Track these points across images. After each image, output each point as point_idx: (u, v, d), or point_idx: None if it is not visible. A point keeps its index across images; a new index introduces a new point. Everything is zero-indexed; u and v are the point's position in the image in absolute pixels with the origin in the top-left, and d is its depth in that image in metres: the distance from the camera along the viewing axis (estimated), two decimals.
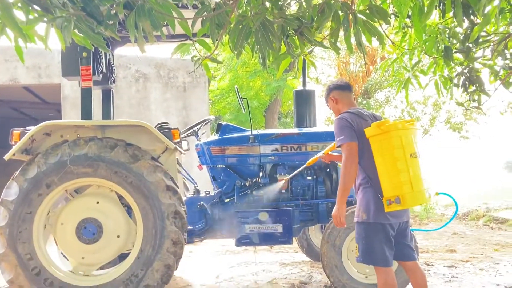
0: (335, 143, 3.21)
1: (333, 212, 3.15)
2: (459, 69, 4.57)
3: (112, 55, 4.93)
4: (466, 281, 4.79)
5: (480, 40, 3.95)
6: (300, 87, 5.18)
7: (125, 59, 10.28)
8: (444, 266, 5.54)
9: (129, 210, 4.11)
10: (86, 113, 4.14)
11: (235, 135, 4.72)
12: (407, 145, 2.92)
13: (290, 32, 2.84)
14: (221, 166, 4.77)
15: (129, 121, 4.23)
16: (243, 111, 4.50)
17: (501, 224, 9.20)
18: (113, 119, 5.01)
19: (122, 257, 4.16)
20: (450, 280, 4.85)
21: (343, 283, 4.05)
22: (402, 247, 3.15)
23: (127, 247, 4.04)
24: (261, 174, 4.74)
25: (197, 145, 4.87)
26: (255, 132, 4.68)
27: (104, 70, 4.53)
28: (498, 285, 4.57)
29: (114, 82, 5.02)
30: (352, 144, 3.05)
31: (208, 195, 4.88)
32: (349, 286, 4.04)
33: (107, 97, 5.00)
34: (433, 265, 5.59)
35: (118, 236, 3.98)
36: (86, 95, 4.14)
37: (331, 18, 2.70)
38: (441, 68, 4.41)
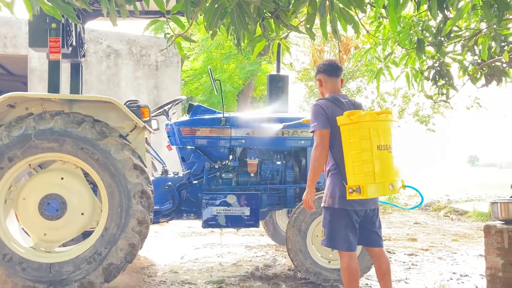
0: (310, 129, 3.22)
1: (303, 196, 3.19)
2: (430, 62, 4.66)
3: (83, 28, 4.78)
4: (424, 269, 4.95)
5: (452, 34, 4.03)
6: (274, 72, 5.17)
7: (96, 33, 10.03)
8: (404, 254, 5.71)
9: (94, 187, 4.05)
10: (54, 86, 4.02)
11: (206, 116, 4.69)
12: (376, 137, 2.94)
13: (266, 14, 2.82)
14: (191, 147, 4.75)
15: (98, 97, 4.14)
16: (216, 92, 4.46)
17: (460, 216, 9.53)
18: (81, 94, 4.89)
19: (86, 235, 4.11)
20: (409, 268, 5.00)
21: (306, 267, 4.12)
22: (369, 233, 3.23)
23: (91, 225, 3.98)
24: (231, 157, 4.74)
25: (167, 125, 4.82)
26: (227, 114, 4.66)
27: (74, 43, 4.39)
28: (454, 273, 4.75)
29: (84, 56, 4.89)
30: (324, 131, 3.09)
31: (176, 176, 4.85)
32: (312, 270, 4.12)
33: (76, 71, 4.87)
34: (394, 253, 5.76)
35: (82, 214, 3.91)
36: (54, 68, 4.02)
37: (307, 3, 2.69)
38: (413, 60, 4.48)
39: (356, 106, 3.27)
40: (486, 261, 3.34)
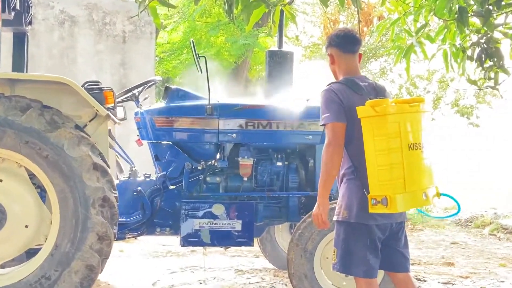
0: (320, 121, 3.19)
1: (314, 209, 3.16)
2: (474, 38, 4.68)
3: None
4: None
5: (503, 2, 4.04)
6: (275, 48, 5.17)
7: None
8: (438, 282, 5.74)
9: (42, 192, 4.04)
10: None
11: (187, 103, 4.69)
12: (407, 134, 2.93)
13: None
14: (167, 142, 4.74)
15: (47, 76, 4.12)
16: (200, 72, 4.45)
17: (510, 234, 9.58)
18: (26, 72, 4.87)
19: (31, 253, 4.09)
20: None
21: None
22: (392, 253, 3.22)
23: (37, 240, 3.98)
24: (218, 155, 4.73)
25: (136, 114, 4.81)
26: (213, 101, 4.65)
27: (18, 7, 4.38)
28: None
29: (30, 24, 4.87)
30: (338, 124, 3.06)
31: (148, 179, 4.84)
32: None
33: (20, 43, 4.84)
34: (425, 280, 5.79)
35: (26, 226, 3.90)
36: None
37: None
38: (453, 35, 4.50)
39: (379, 92, 3.24)
40: None
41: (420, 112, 3.05)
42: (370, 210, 2.96)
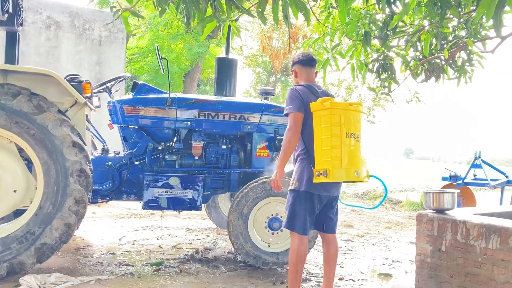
0: (284, 111, 3.28)
1: (272, 176, 3.27)
2: (374, 55, 4.81)
3: None
4: (359, 254, 5.16)
5: (397, 30, 4.17)
6: (223, 55, 5.12)
7: (35, 2, 9.47)
8: (341, 239, 5.91)
9: (29, 164, 3.86)
10: None
11: (151, 96, 4.58)
12: (346, 125, 3.07)
13: None
14: (134, 126, 4.62)
15: (36, 69, 3.92)
16: (162, 71, 4.35)
17: (394, 205, 9.99)
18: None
19: (17, 213, 3.91)
20: (345, 253, 5.19)
21: (246, 250, 4.16)
22: (326, 218, 3.33)
23: (24, 203, 3.80)
24: (175, 138, 4.66)
25: (109, 103, 4.65)
26: (172, 95, 4.57)
27: (11, 10, 4.12)
28: (386, 258, 4.98)
29: (21, 25, 4.59)
30: (298, 114, 3.16)
31: (117, 155, 4.71)
32: (251, 253, 4.17)
33: (11, 40, 4.56)
34: None
35: (14, 191, 3.72)
36: None
37: None
38: (359, 52, 4.60)
39: (329, 96, 3.39)
40: (416, 248, 3.51)
41: (357, 112, 3.19)
42: (315, 180, 3.07)
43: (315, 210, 3.22)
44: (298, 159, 3.26)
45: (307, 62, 3.44)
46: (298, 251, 3.16)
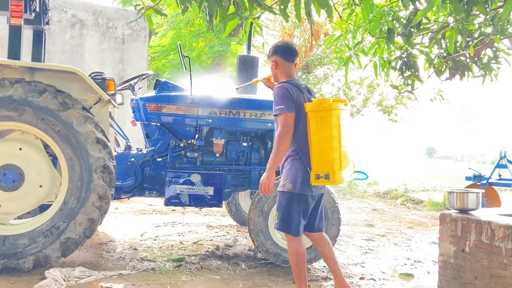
0: (273, 111, 3.16)
1: (261, 178, 3.13)
2: (398, 53, 4.73)
3: None
4: (380, 254, 5.10)
5: (421, 26, 4.10)
6: (244, 53, 5.12)
7: (61, 1, 9.63)
8: (362, 239, 5.86)
9: (54, 159, 3.93)
10: (14, 53, 3.84)
11: (173, 93, 4.61)
12: (342, 125, 3.04)
13: None
14: (156, 124, 4.65)
15: (61, 66, 3.99)
16: (184, 69, 4.38)
17: (416, 205, 9.85)
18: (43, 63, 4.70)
19: (43, 208, 4.00)
20: (366, 252, 5.14)
21: (266, 248, 4.17)
22: (315, 217, 3.28)
23: (49, 198, 3.88)
24: (197, 136, 4.69)
25: (132, 100, 4.71)
26: (194, 93, 4.59)
27: (38, 9, 4.21)
28: (408, 258, 4.92)
29: (47, 23, 4.69)
30: (290, 115, 3.04)
31: (140, 152, 4.76)
32: (272, 251, 4.17)
33: (38, 39, 4.66)
34: (352, 237, 5.90)
35: (40, 186, 3.81)
36: (15, 33, 3.83)
37: None
38: (382, 50, 4.53)
39: (310, 91, 3.31)
40: (439, 248, 3.46)
41: (348, 110, 3.19)
42: (313, 183, 3.00)
43: (308, 211, 3.17)
44: (289, 160, 3.15)
45: (290, 56, 3.24)
46: (297, 252, 3.12)
